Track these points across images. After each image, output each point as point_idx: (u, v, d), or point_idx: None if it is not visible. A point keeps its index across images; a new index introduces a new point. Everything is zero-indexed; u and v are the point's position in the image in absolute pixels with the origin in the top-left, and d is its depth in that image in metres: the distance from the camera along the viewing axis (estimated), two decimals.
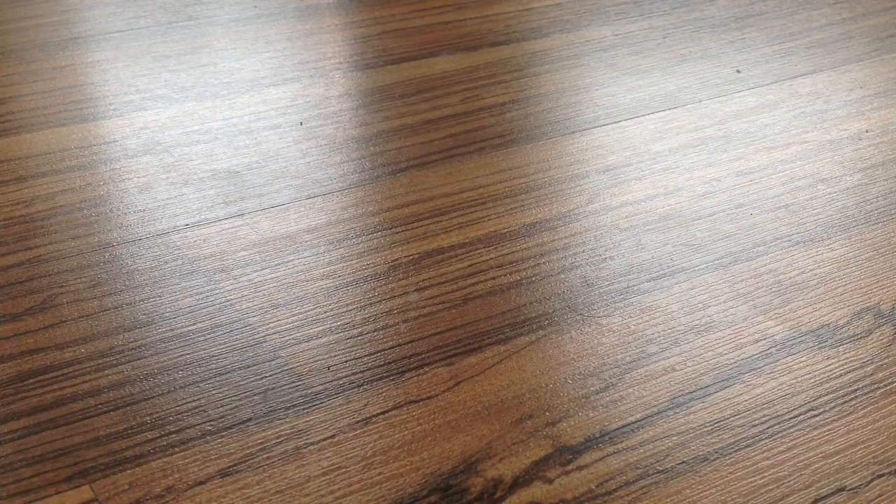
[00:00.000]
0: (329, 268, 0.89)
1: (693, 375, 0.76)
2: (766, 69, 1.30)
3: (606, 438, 0.70)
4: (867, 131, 1.14)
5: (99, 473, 0.67)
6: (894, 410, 0.73)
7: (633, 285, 0.86)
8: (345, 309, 0.83)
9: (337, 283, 0.87)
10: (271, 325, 0.81)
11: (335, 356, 0.78)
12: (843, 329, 0.81)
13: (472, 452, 0.69)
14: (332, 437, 0.70)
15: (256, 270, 0.88)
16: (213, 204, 0.99)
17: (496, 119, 1.17)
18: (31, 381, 0.75)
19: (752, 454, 0.69)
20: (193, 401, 0.73)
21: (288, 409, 0.73)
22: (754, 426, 0.71)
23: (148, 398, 0.73)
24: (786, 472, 0.67)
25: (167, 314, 0.83)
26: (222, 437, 0.70)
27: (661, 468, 0.67)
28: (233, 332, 0.80)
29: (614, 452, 0.69)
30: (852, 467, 0.68)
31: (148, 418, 0.72)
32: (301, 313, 0.83)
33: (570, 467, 0.67)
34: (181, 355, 0.78)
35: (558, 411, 0.72)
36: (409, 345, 0.79)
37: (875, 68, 1.31)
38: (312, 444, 0.69)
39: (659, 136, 1.13)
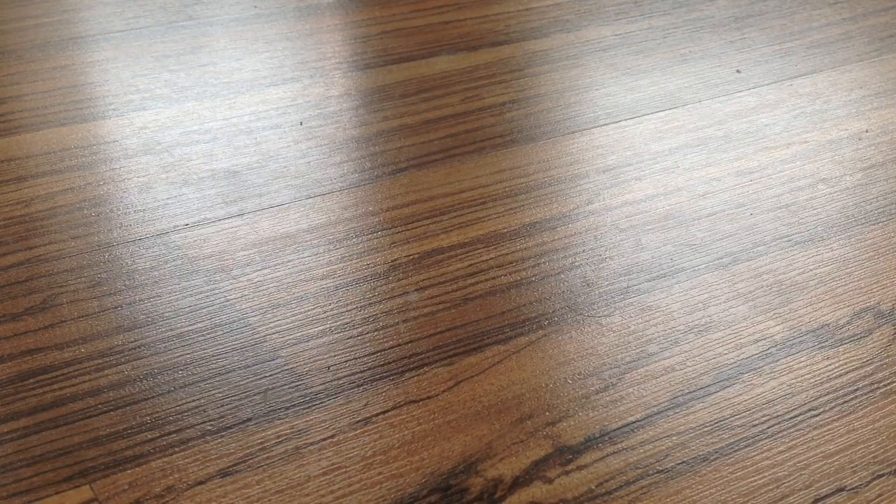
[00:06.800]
0: (329, 268, 0.89)
1: (693, 375, 0.76)
2: (766, 69, 1.30)
3: (606, 438, 0.70)
4: (867, 131, 1.14)
5: (99, 473, 0.67)
6: (894, 410, 0.73)
7: (633, 285, 0.86)
8: (345, 309, 0.83)
9: (337, 283, 0.87)
10: (271, 325, 0.81)
11: (335, 356, 0.78)
12: (843, 329, 0.81)
13: (472, 452, 0.69)
14: (332, 437, 0.70)
15: (256, 270, 0.88)
16: (213, 204, 0.99)
17: (496, 119, 1.17)
18: (31, 381, 0.75)
19: (752, 454, 0.69)
20: (193, 401, 0.73)
21: (288, 409, 0.73)
22: (754, 426, 0.71)
23: (148, 398, 0.73)
24: (786, 472, 0.67)
25: (167, 314, 0.83)
26: (222, 437, 0.70)
27: (661, 468, 0.67)
28: (233, 332, 0.80)
29: (614, 452, 0.69)
30: (852, 467, 0.68)
31: (148, 418, 0.72)
32: (301, 313, 0.83)
33: (570, 467, 0.67)
34: (181, 355, 0.78)
35: (558, 411, 0.72)
36: (409, 345, 0.79)
37: (875, 68, 1.31)
38: (312, 444, 0.69)
39: (659, 136, 1.13)
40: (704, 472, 0.67)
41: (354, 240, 0.93)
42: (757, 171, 1.05)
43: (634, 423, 0.71)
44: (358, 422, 0.71)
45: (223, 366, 0.77)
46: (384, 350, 0.79)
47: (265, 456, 0.68)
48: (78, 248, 0.92)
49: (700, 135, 1.13)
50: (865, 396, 0.74)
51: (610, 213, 0.97)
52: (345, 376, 0.76)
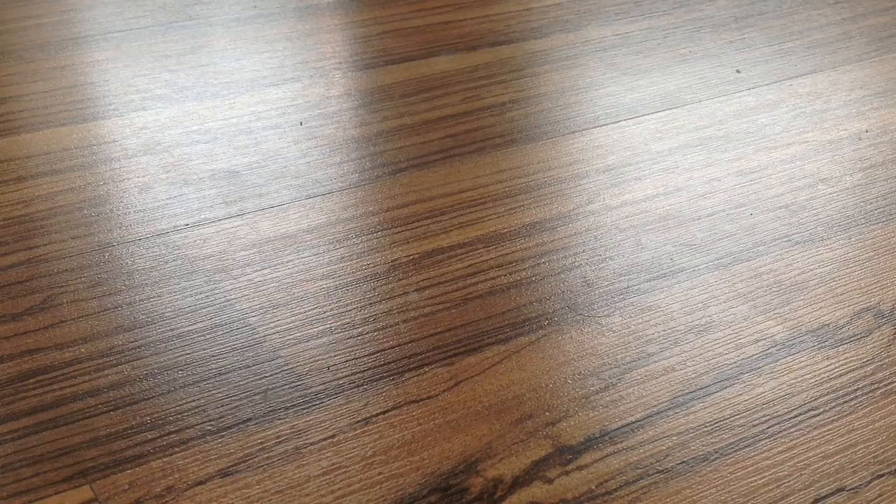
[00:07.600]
0: (329, 268, 0.89)
1: (693, 375, 0.76)
2: (766, 69, 1.30)
3: (606, 438, 0.70)
4: (867, 131, 1.14)
5: (99, 473, 0.67)
6: (894, 410, 0.73)
7: (633, 285, 0.86)
8: (345, 309, 0.83)
9: (337, 283, 0.87)
10: (271, 325, 0.81)
11: (335, 356, 0.78)
12: (843, 329, 0.81)
13: (472, 452, 0.69)
14: (332, 437, 0.70)
15: (256, 270, 0.88)
16: (213, 204, 0.99)
17: (496, 119, 1.17)
18: (31, 381, 0.75)
19: (752, 454, 0.69)
20: (193, 401, 0.73)
21: (288, 409, 0.73)
22: (754, 426, 0.71)
23: (148, 398, 0.73)
24: (786, 472, 0.67)
25: (167, 314, 0.83)
26: (222, 437, 0.70)
27: (661, 468, 0.67)
28: (233, 332, 0.80)
29: (614, 452, 0.69)
30: (852, 467, 0.68)
31: (148, 418, 0.72)
32: (301, 313, 0.83)
33: (570, 467, 0.67)
34: (181, 355, 0.78)
35: (558, 411, 0.72)
36: (409, 345, 0.79)
37: (875, 68, 1.31)
38: (312, 444, 0.69)
39: (659, 136, 1.13)
40: (704, 472, 0.67)
41: (354, 240, 0.93)
42: (757, 171, 1.05)
43: (634, 423, 0.71)
44: (358, 422, 0.71)
45: (223, 366, 0.77)
46: (384, 350, 0.79)
47: (265, 456, 0.68)
48: (78, 248, 0.92)
49: (700, 135, 1.13)
50: (865, 396, 0.74)
51: (610, 213, 0.97)
52: (345, 376, 0.76)
